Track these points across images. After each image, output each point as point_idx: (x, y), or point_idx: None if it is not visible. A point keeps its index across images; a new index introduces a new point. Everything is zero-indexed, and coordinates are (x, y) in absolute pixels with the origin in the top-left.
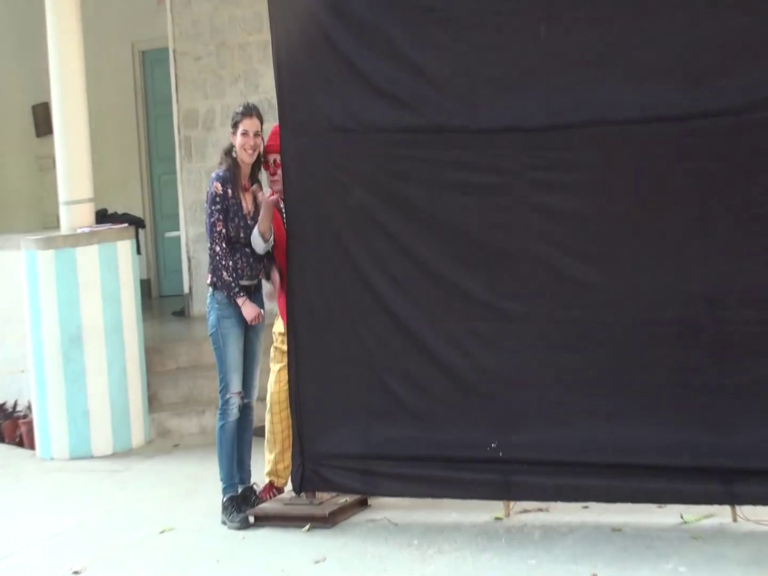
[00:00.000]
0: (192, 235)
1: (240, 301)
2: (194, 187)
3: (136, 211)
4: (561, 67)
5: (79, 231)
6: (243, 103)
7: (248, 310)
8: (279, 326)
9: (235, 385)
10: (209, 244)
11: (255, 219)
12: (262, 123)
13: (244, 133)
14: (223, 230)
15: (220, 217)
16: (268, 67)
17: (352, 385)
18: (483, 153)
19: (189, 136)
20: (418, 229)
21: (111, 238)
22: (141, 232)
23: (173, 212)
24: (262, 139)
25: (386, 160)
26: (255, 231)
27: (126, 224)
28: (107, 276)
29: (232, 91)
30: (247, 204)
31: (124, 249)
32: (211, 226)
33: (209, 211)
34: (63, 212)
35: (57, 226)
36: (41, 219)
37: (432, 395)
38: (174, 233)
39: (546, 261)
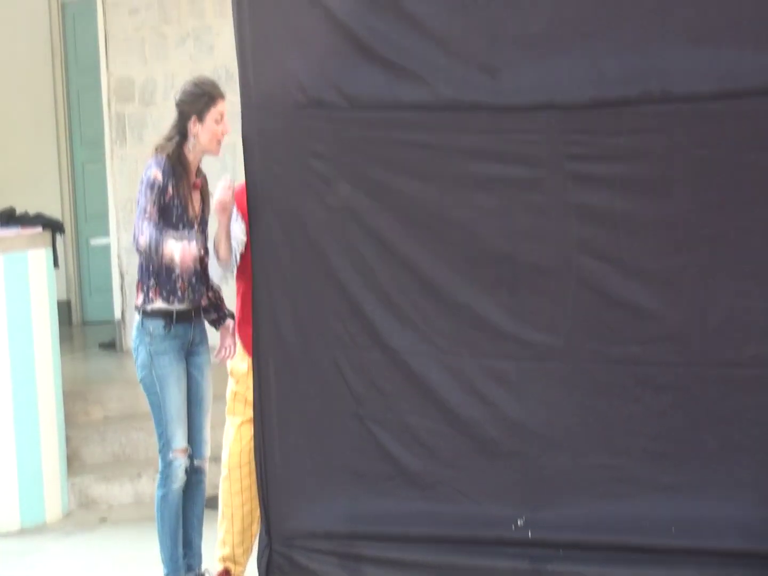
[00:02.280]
0: (126, 242)
1: (168, 245)
2: (129, 179)
3: (53, 212)
4: (610, 24)
5: None
6: (204, 79)
7: (180, 245)
8: (238, 365)
9: (179, 440)
10: (134, 238)
11: (203, 225)
12: None
13: (219, 120)
14: (156, 217)
15: (154, 212)
16: (227, 23)
17: (335, 442)
18: (508, 137)
19: (122, 113)
20: (422, 237)
21: (20, 247)
22: (59, 238)
23: (101, 212)
24: None
25: (381, 145)
26: (210, 248)
27: (40, 228)
28: (14, 296)
29: (179, 55)
30: (194, 207)
31: (37, 261)
32: (141, 212)
33: (143, 199)
34: None
35: None
36: None
37: (439, 456)
38: (102, 240)
39: (590, 280)
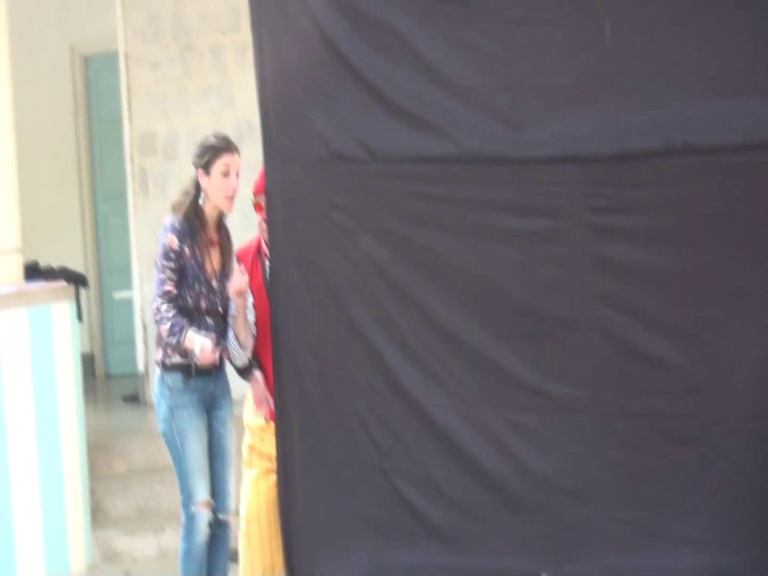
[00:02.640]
0: (149, 295)
1: (189, 337)
2: (151, 232)
3: (77, 265)
4: (632, 76)
5: (2, 290)
6: (217, 133)
7: (200, 342)
8: (253, 418)
9: (201, 492)
10: (153, 304)
11: (223, 281)
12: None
13: (226, 173)
14: (173, 292)
15: (173, 276)
16: (248, 77)
17: (358, 494)
18: (530, 190)
19: (144, 167)
20: (444, 290)
21: (44, 300)
22: (83, 291)
23: (124, 266)
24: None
25: (402, 198)
26: (230, 333)
27: (63, 281)
28: (39, 349)
29: (201, 109)
30: (212, 263)
31: (61, 314)
32: (160, 283)
33: (160, 264)
34: None
35: None
36: None
37: (463, 508)
38: (125, 293)
39: (613, 332)
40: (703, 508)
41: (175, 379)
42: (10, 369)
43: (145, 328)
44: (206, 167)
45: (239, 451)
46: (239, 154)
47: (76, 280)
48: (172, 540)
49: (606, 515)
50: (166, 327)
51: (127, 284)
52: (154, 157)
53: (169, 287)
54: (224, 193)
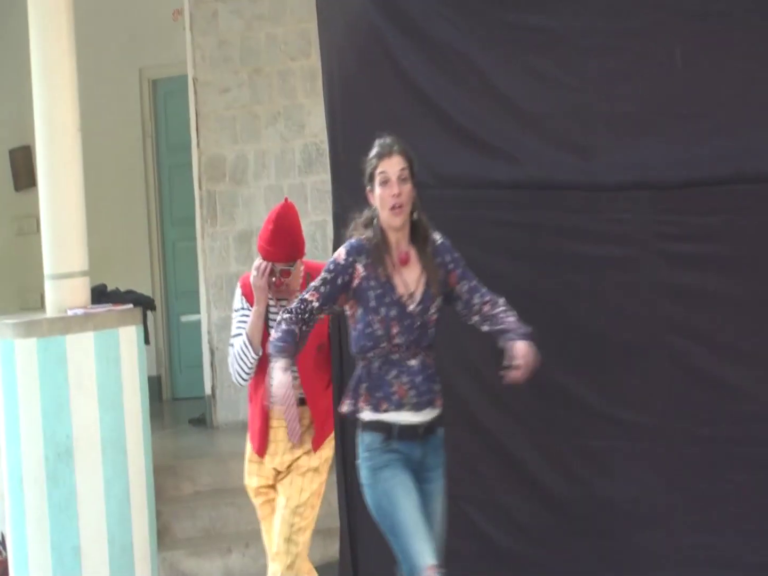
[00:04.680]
0: (216, 319)
1: (277, 366)
2: (219, 257)
3: (144, 289)
4: (702, 104)
5: (69, 313)
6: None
7: (279, 378)
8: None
9: (426, 556)
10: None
11: (425, 303)
12: (411, 163)
13: (384, 182)
14: (311, 302)
15: (321, 287)
16: (317, 103)
17: None
18: (599, 216)
19: (213, 192)
20: None
21: (111, 324)
22: (150, 315)
23: (191, 290)
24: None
25: (471, 224)
26: (244, 336)
27: (131, 305)
28: (106, 372)
29: (270, 134)
30: (405, 283)
31: (128, 337)
32: (300, 301)
33: (317, 281)
34: (49, 289)
35: (41, 307)
36: (20, 297)
37: (531, 534)
38: (192, 317)
39: (683, 359)
40: None
41: (374, 437)
42: (77, 392)
43: (212, 351)
44: (370, 182)
45: None
46: (403, 154)
47: (144, 303)
48: (238, 561)
49: (672, 542)
50: (272, 336)
51: (194, 308)
52: (222, 181)
53: (309, 296)
54: (387, 204)
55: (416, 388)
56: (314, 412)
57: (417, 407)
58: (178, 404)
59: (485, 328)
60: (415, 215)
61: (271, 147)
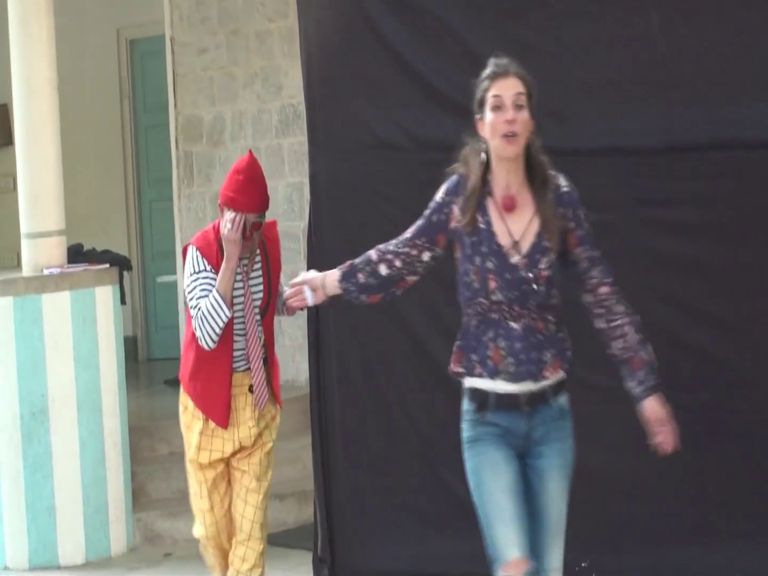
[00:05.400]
0: None
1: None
2: (196, 218)
3: (120, 249)
4: (680, 72)
5: (46, 272)
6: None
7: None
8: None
9: (511, 546)
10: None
11: (534, 256)
12: (530, 89)
13: (497, 107)
14: (405, 236)
15: (417, 223)
16: (295, 64)
17: (401, 483)
18: (578, 182)
19: (190, 152)
20: None
21: (87, 283)
22: (126, 275)
23: (168, 250)
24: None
25: None
26: (214, 292)
27: (107, 265)
28: (82, 332)
29: (247, 95)
30: (509, 230)
31: (104, 297)
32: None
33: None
34: (25, 248)
35: (17, 266)
36: None
37: None
38: (169, 278)
39: (660, 325)
40: (748, 503)
41: (469, 407)
42: (53, 351)
43: None
44: (480, 107)
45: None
46: (520, 78)
47: (120, 263)
48: None
49: (647, 508)
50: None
51: (170, 269)
52: (199, 142)
53: (409, 233)
54: (498, 131)
55: (514, 355)
56: (274, 371)
57: (514, 378)
58: (153, 365)
59: (600, 324)
60: (532, 151)
61: (249, 108)
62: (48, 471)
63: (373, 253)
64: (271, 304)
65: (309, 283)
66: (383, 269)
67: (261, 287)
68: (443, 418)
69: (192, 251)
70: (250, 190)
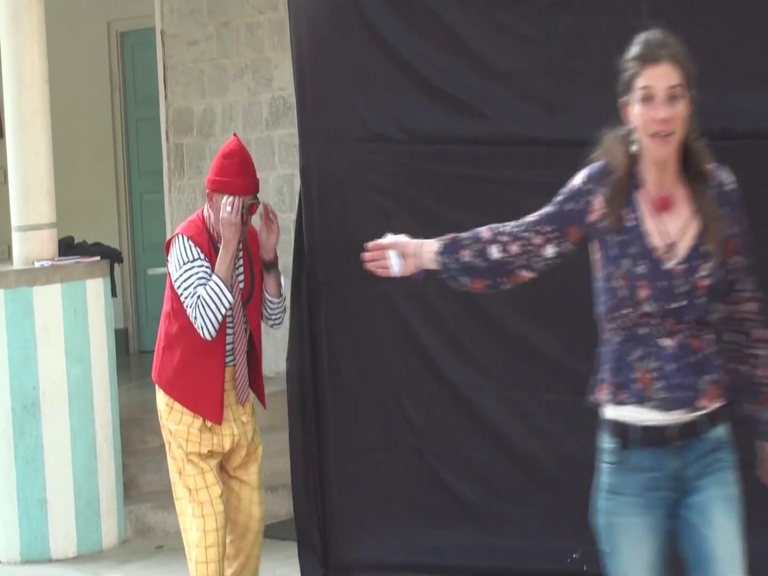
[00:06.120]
0: None
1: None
2: (186, 210)
3: (111, 241)
4: None
5: (37, 265)
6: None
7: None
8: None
9: None
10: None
11: (692, 262)
12: (688, 73)
13: (647, 99)
14: (528, 219)
15: (550, 209)
16: (285, 56)
17: (392, 474)
18: (568, 171)
19: (180, 144)
20: None
21: (78, 276)
22: (117, 267)
23: (159, 242)
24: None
25: (440, 179)
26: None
27: (98, 257)
28: (73, 324)
29: (237, 87)
30: (664, 230)
31: (95, 290)
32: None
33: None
34: (16, 240)
35: (8, 259)
36: None
37: (498, 489)
38: (159, 270)
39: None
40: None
41: (610, 447)
42: (44, 344)
43: None
44: (628, 93)
45: None
46: (675, 64)
47: (111, 256)
48: None
49: None
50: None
51: (161, 261)
52: (189, 134)
53: (533, 216)
54: (648, 129)
55: (666, 378)
56: (257, 366)
57: (665, 405)
58: (144, 357)
59: (731, 342)
60: (689, 139)
61: (239, 100)
62: (39, 464)
63: (484, 231)
64: (255, 291)
65: (398, 248)
66: (495, 251)
67: (242, 276)
68: (436, 409)
69: (183, 240)
70: (244, 173)
